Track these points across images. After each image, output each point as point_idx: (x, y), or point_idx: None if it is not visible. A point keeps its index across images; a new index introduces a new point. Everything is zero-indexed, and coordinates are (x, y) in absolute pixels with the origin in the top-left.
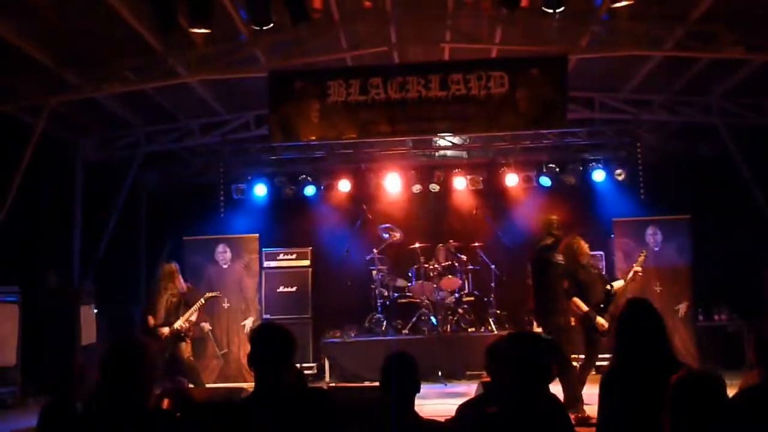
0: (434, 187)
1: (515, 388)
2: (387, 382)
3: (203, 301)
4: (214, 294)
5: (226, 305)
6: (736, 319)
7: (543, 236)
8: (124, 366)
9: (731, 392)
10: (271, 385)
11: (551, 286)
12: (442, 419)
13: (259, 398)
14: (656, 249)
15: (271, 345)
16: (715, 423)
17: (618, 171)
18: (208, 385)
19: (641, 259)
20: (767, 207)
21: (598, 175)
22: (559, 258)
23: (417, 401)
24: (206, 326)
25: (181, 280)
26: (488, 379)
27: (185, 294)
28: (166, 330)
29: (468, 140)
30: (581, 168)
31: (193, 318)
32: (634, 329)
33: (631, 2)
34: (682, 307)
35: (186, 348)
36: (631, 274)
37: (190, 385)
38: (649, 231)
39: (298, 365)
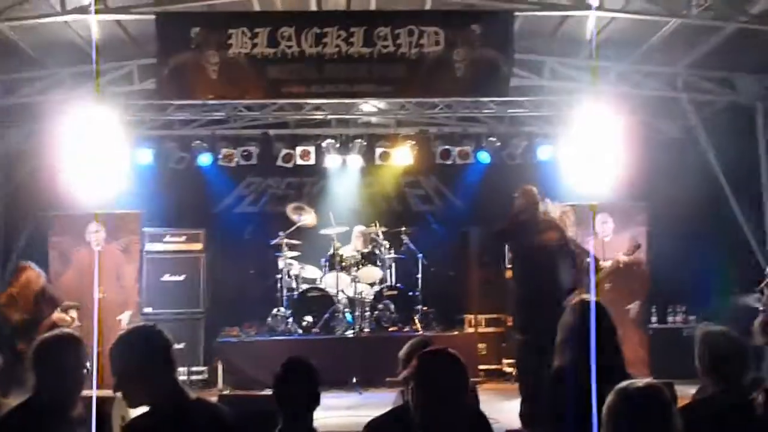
0: (355, 161)
1: (428, 409)
2: (280, 394)
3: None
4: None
5: (100, 295)
6: (693, 321)
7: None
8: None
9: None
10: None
11: None
12: None
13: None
14: (606, 239)
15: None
16: None
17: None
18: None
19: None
20: (733, 195)
21: (545, 152)
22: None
23: (326, 412)
24: (75, 315)
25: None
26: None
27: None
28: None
29: (395, 107)
30: (526, 143)
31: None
32: (584, 335)
33: None
34: (634, 307)
35: None
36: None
37: None
38: (599, 219)
39: (185, 368)
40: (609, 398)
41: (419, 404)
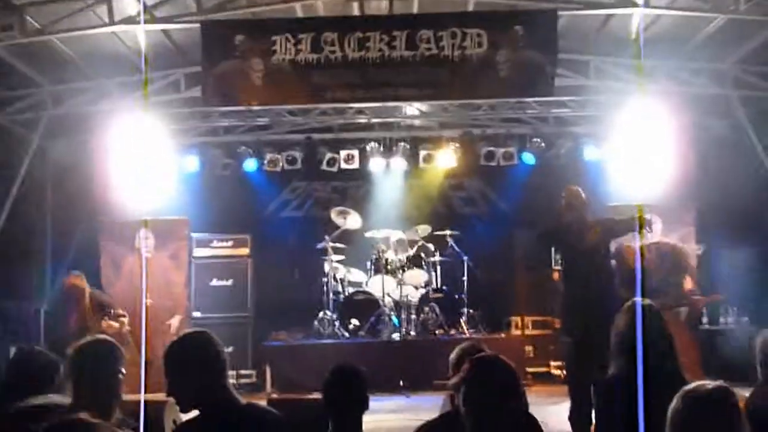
0: (399, 163)
1: (478, 415)
2: (329, 399)
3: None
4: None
5: (149, 301)
6: (746, 323)
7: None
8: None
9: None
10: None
11: None
12: None
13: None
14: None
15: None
16: None
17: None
18: (125, 397)
19: None
20: None
21: (591, 153)
22: None
23: (373, 416)
24: (125, 322)
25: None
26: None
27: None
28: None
29: (439, 109)
30: (571, 144)
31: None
32: (634, 339)
33: None
34: (684, 309)
35: None
36: None
37: None
38: (648, 220)
39: (233, 372)
40: (675, 403)
41: (470, 410)
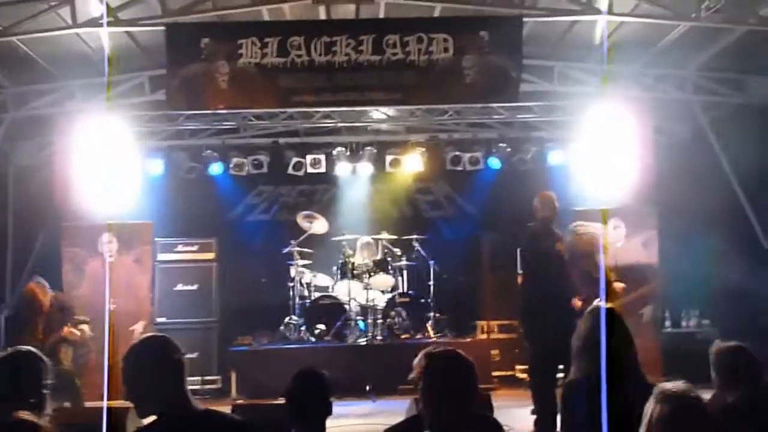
0: (365, 168)
1: (435, 409)
2: (292, 405)
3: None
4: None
5: (112, 306)
6: (707, 326)
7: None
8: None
9: None
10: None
11: None
12: None
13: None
14: (618, 245)
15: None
16: None
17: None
18: (88, 404)
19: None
20: (745, 197)
21: (556, 157)
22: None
23: (340, 421)
24: (87, 329)
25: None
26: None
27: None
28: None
29: (405, 114)
30: (536, 149)
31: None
32: (597, 343)
33: None
34: (647, 311)
35: (66, 354)
36: None
37: (66, 404)
38: (611, 224)
39: (199, 377)
40: (656, 405)
41: (427, 405)
